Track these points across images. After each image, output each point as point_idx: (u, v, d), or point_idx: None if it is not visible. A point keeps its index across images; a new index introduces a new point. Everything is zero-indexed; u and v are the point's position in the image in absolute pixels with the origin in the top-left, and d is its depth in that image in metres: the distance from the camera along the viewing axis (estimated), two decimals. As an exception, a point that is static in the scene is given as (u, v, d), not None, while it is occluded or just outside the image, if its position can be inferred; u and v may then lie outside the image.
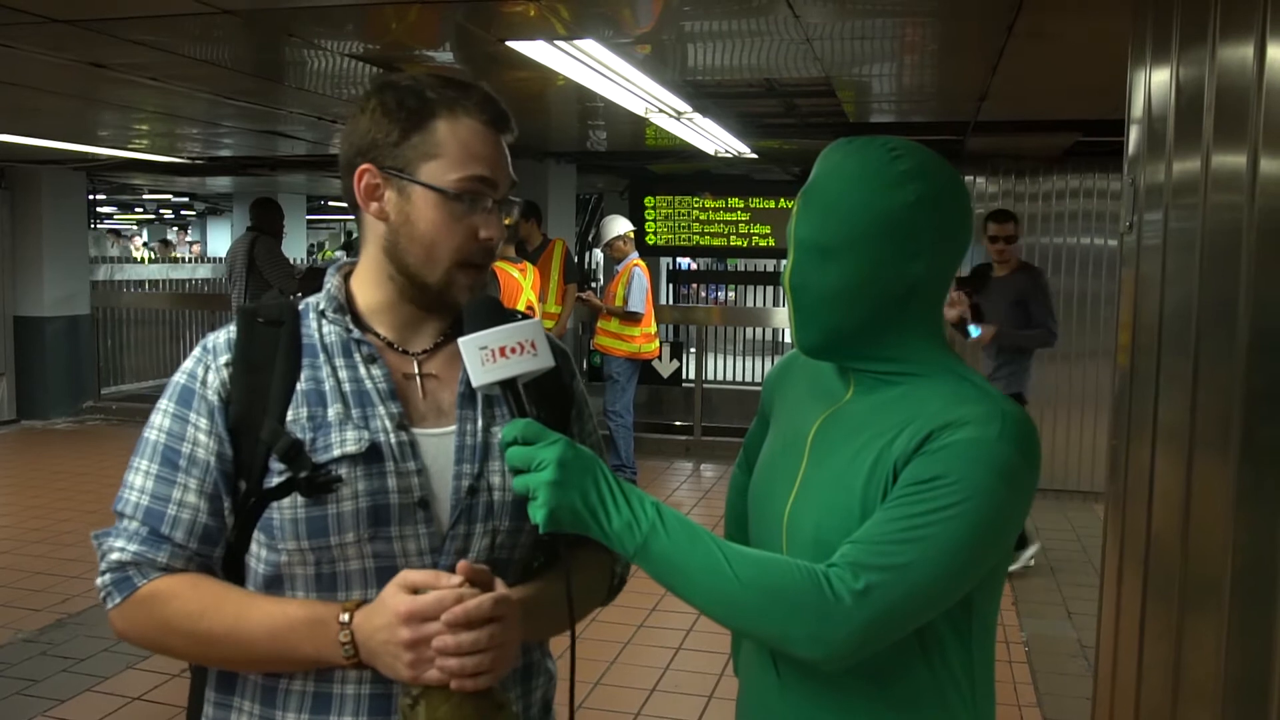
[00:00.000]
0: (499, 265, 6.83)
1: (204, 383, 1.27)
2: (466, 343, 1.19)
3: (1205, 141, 2.12)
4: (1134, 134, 2.49)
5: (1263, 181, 1.92)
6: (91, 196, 11.56)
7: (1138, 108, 2.46)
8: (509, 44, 4.07)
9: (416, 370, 1.34)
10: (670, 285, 13.64)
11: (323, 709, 1.24)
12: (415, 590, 1.16)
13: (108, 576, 1.25)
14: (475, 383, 1.20)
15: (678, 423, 8.88)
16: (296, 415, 1.25)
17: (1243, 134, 1.97)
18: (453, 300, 1.31)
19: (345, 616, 1.18)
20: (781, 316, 9.73)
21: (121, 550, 1.24)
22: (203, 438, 1.25)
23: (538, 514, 1.17)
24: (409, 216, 1.28)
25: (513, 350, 1.19)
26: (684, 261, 14.01)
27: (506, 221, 1.35)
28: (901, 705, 1.25)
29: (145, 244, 21.28)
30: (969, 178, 7.28)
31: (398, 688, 1.21)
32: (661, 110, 5.68)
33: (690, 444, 8.49)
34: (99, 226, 19.39)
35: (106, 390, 10.22)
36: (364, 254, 1.35)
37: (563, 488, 1.16)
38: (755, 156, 8.01)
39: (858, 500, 1.22)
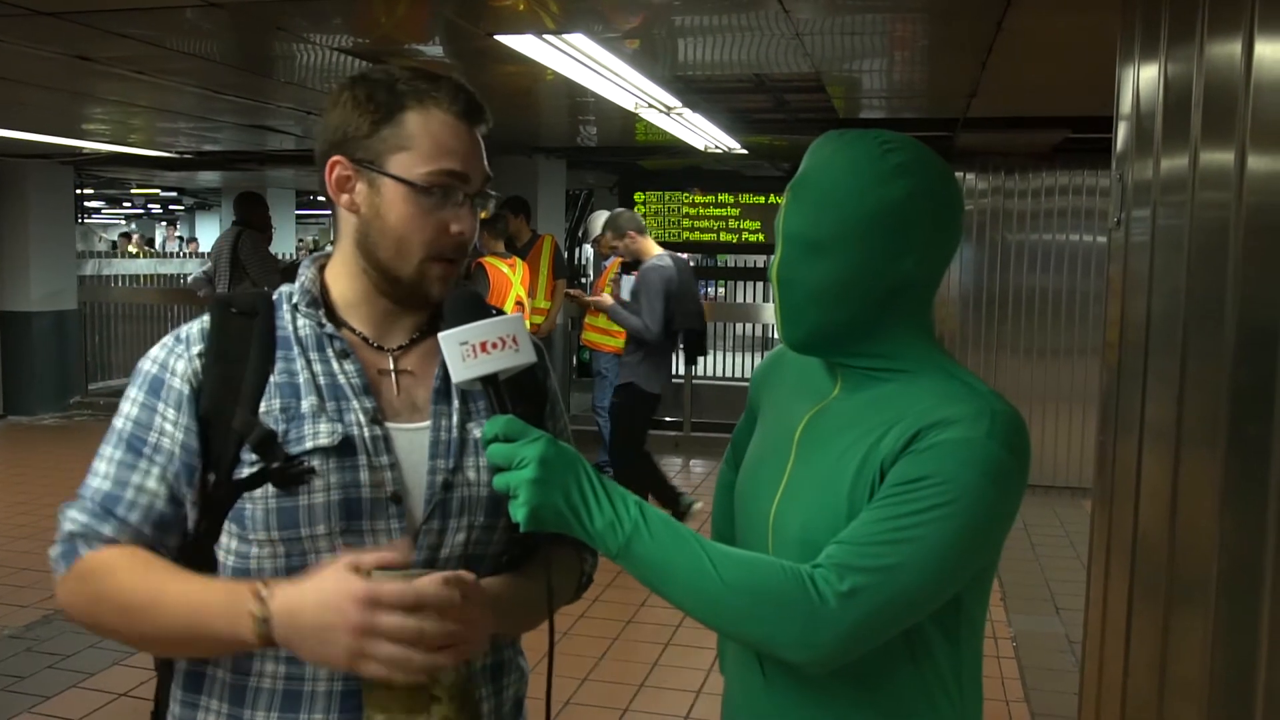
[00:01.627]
0: (488, 261, 6.82)
1: (174, 372, 1.26)
2: (446, 338, 1.18)
3: (1193, 138, 2.12)
4: (1122, 130, 2.49)
5: (1250, 179, 1.92)
6: (79, 191, 11.50)
7: (1126, 104, 2.46)
8: (498, 38, 4.05)
9: (391, 366, 1.33)
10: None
11: (292, 706, 1.23)
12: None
13: (58, 548, 1.25)
14: (456, 379, 1.19)
15: (667, 418, 8.88)
16: (269, 407, 1.24)
17: (1230, 131, 1.97)
18: (425, 294, 1.29)
19: (265, 590, 1.14)
20: (771, 312, 9.73)
21: (73, 521, 1.24)
22: (169, 427, 1.24)
23: (519, 512, 1.14)
24: (379, 209, 1.26)
25: (494, 345, 1.18)
26: (674, 257, 13.99)
27: (483, 215, 1.33)
28: (889, 707, 1.24)
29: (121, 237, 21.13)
30: (959, 174, 7.29)
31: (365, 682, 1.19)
32: (651, 105, 5.67)
33: (680, 440, 8.49)
34: (87, 221, 19.32)
35: (94, 386, 10.17)
36: (338, 247, 1.34)
37: (545, 486, 1.14)
38: (745, 152, 8.01)
39: (844, 500, 1.20)
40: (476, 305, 1.24)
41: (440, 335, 1.19)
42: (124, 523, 1.23)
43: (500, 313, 1.23)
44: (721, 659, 1.60)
